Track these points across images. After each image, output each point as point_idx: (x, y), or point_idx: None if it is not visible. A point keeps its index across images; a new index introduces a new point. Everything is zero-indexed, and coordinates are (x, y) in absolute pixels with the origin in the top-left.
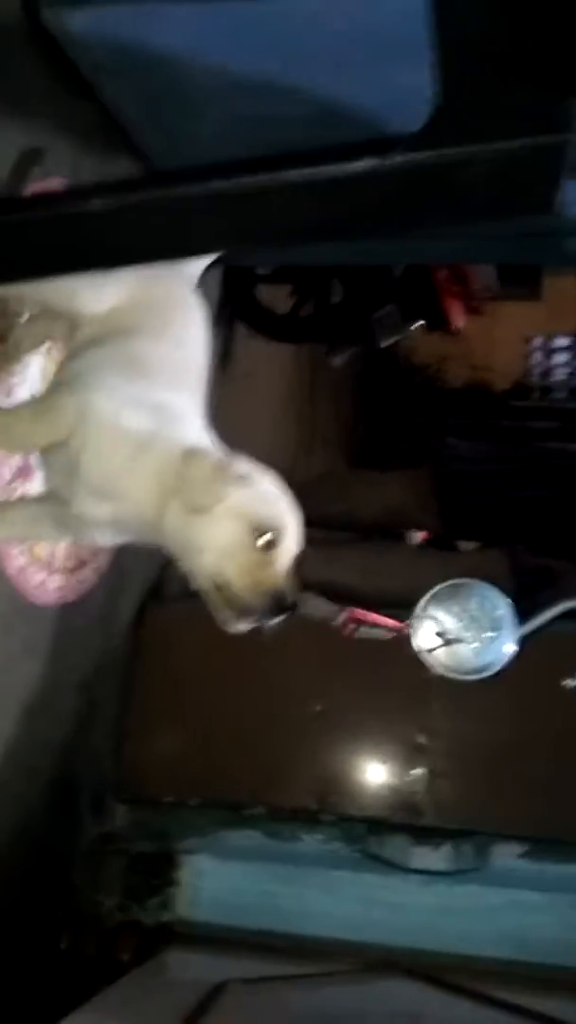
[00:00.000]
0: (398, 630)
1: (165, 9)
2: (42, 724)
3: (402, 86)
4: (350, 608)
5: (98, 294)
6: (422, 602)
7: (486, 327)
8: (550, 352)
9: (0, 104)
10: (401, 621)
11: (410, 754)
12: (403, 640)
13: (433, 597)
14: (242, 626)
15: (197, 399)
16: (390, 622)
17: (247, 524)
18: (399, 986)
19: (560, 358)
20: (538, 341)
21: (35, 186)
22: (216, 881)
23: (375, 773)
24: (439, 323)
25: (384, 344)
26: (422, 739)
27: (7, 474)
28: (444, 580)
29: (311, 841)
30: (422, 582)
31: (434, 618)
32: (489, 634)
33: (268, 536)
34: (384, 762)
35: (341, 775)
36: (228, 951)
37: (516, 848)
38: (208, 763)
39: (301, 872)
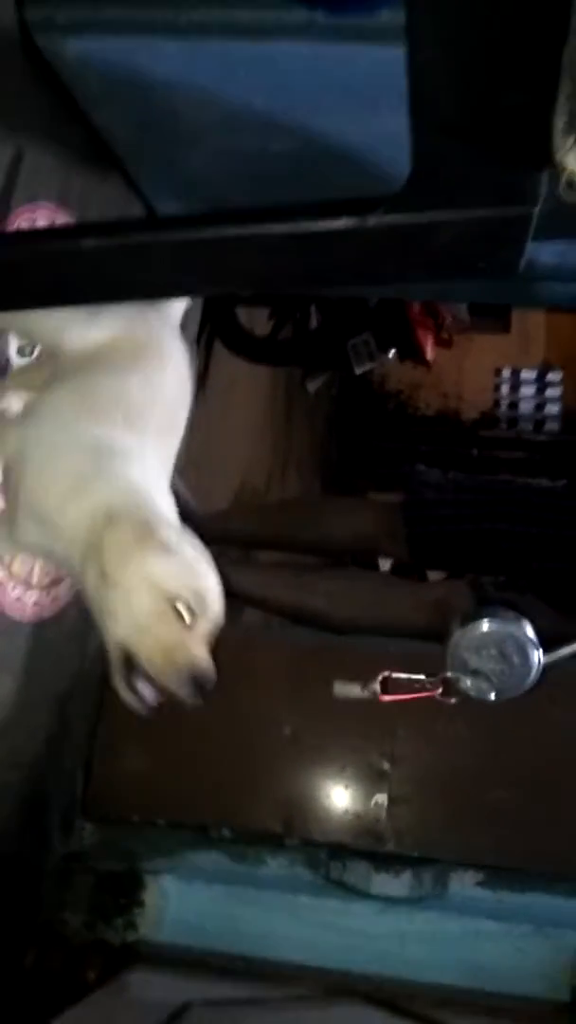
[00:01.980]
0: (431, 696)
1: (156, 42)
2: (15, 740)
3: (383, 129)
4: (379, 680)
5: (84, 332)
6: (449, 655)
7: (456, 357)
8: (517, 384)
9: None
10: (434, 674)
11: (373, 780)
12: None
13: (457, 644)
14: (142, 704)
15: (163, 443)
16: (424, 688)
17: (165, 597)
18: (358, 1012)
19: (527, 391)
20: (506, 373)
21: (23, 210)
22: (181, 902)
23: (339, 798)
24: (411, 353)
25: (360, 371)
26: (385, 765)
27: None
28: (410, 608)
29: (275, 865)
30: (389, 611)
31: (464, 665)
32: (515, 660)
33: (187, 611)
34: (348, 788)
35: (306, 799)
36: (191, 973)
37: (474, 876)
38: (176, 784)
39: (265, 896)
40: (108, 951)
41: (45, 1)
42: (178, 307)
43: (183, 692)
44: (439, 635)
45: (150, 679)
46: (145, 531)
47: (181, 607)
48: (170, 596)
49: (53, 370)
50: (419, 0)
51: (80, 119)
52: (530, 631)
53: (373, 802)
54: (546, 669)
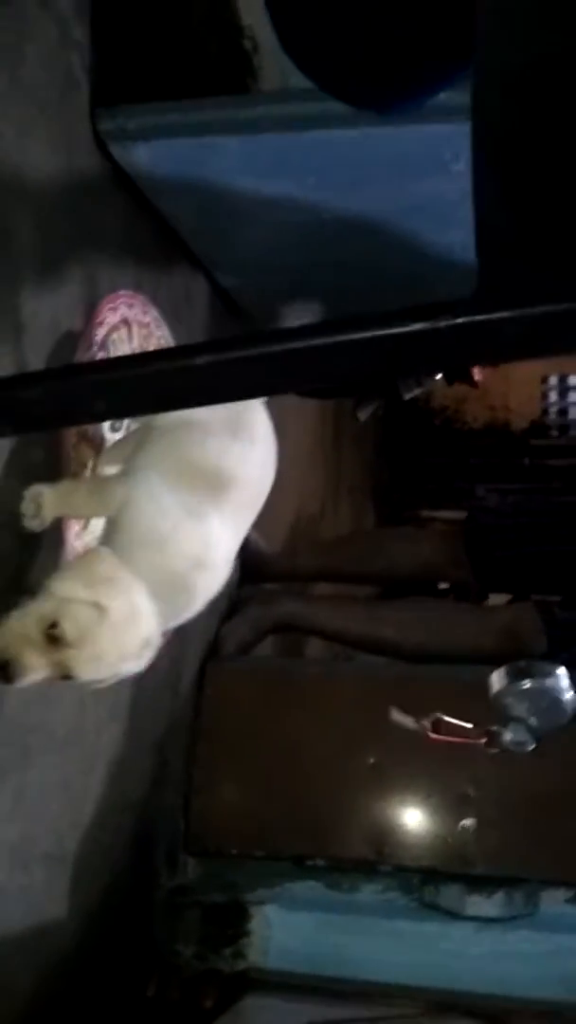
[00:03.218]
0: (476, 740)
1: (217, 140)
2: (125, 783)
3: (426, 192)
4: (432, 719)
5: None
6: (492, 707)
7: (502, 368)
8: (566, 390)
9: (74, 228)
10: (481, 727)
11: (459, 806)
12: (450, 699)
13: (498, 698)
14: None
15: (242, 517)
16: (469, 736)
17: (59, 616)
18: None
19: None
20: (553, 380)
21: (107, 301)
22: (284, 931)
23: (427, 824)
24: (459, 375)
25: (409, 397)
26: (470, 791)
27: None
28: (479, 634)
29: (369, 891)
30: (457, 638)
31: (509, 715)
32: (552, 699)
33: (55, 633)
34: (434, 814)
35: (395, 827)
36: (302, 996)
37: (564, 894)
38: (269, 816)
39: (362, 921)
40: (221, 979)
41: (116, 113)
42: None
43: None
44: (507, 660)
45: None
46: (111, 578)
47: (55, 632)
48: (58, 618)
49: (145, 431)
50: (483, 150)
51: (148, 208)
52: (564, 680)
53: (460, 827)
54: None
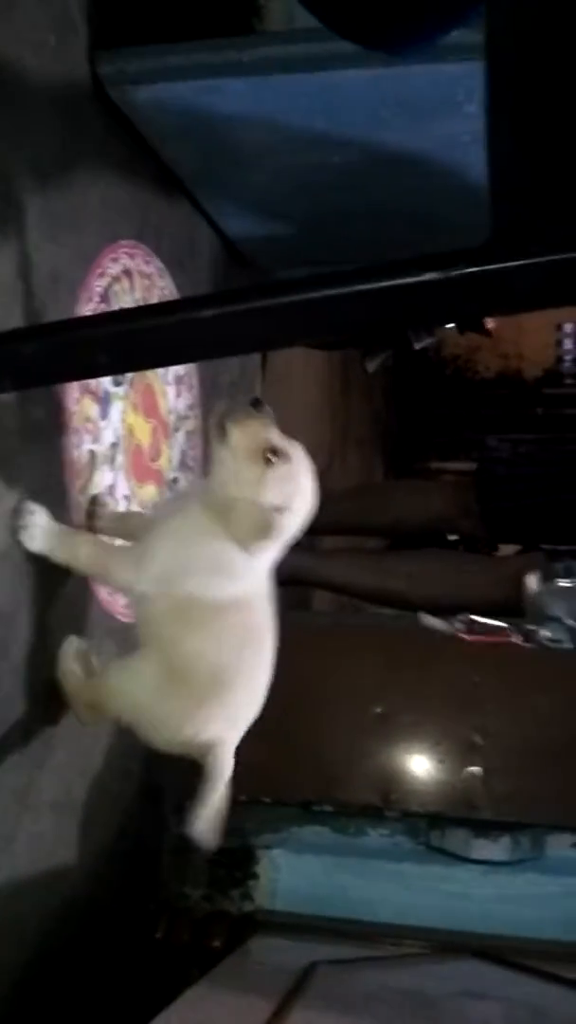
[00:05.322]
0: (509, 640)
1: (222, 82)
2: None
3: (438, 133)
4: (464, 619)
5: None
6: (528, 607)
7: (515, 316)
8: None
9: (73, 175)
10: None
11: (466, 753)
12: (460, 650)
13: (537, 594)
14: None
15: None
16: (505, 634)
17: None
18: (472, 966)
19: None
20: (568, 327)
21: (108, 250)
22: (291, 874)
23: (434, 771)
24: (470, 325)
25: (420, 347)
26: (477, 739)
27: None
28: (489, 585)
29: (376, 836)
30: (468, 589)
31: (546, 614)
32: None
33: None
34: (442, 761)
35: (402, 773)
36: (307, 937)
37: (569, 838)
38: (277, 764)
39: (369, 864)
40: (229, 921)
41: (116, 56)
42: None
43: None
44: (517, 609)
45: None
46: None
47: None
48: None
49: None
50: (498, 97)
51: (149, 154)
52: None
53: (468, 773)
54: None
